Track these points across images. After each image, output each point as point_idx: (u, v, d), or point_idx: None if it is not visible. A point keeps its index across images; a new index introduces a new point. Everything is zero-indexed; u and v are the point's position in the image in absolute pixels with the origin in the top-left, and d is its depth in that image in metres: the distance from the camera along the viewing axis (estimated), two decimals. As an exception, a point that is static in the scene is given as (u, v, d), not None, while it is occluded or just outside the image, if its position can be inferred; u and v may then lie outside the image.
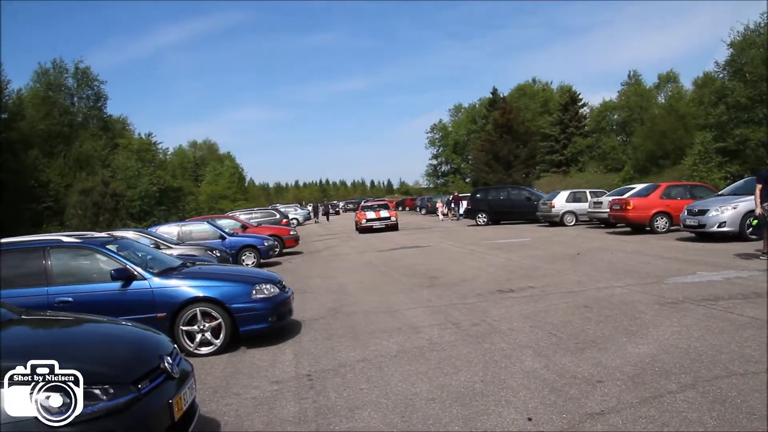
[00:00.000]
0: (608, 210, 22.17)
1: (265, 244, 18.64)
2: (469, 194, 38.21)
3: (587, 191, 28.37)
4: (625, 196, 21.89)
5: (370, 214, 33.08)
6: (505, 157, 57.49)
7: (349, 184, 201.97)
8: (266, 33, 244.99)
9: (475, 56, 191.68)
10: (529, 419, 4.53)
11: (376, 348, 7.04)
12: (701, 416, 4.33)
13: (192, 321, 7.45)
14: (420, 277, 12.85)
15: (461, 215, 40.23)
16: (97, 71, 64.62)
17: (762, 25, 33.62)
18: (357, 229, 33.40)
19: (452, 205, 42.75)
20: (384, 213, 33.49)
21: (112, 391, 3.46)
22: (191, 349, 7.31)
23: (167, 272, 7.95)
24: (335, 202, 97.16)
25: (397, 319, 8.68)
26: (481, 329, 7.56)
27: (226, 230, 19.39)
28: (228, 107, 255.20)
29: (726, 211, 15.93)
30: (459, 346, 6.81)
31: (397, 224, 32.92)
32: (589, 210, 25.25)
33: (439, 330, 7.73)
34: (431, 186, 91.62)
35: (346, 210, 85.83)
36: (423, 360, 6.40)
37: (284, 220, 33.93)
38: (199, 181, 78.50)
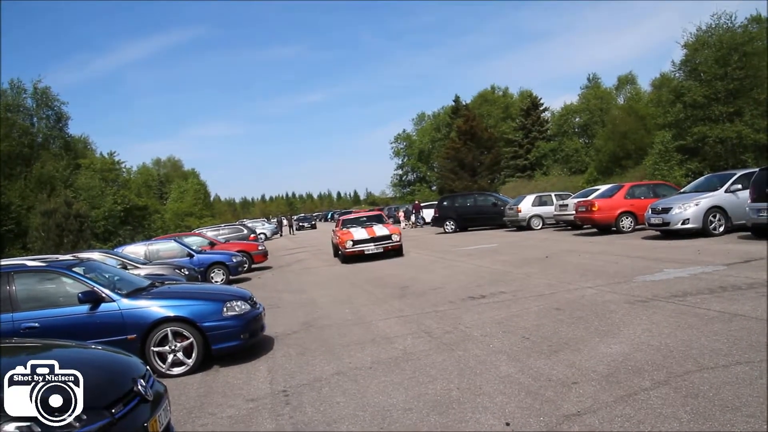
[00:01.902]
0: (574, 212, 22.43)
1: (234, 260, 18.50)
2: (436, 202, 38.33)
3: (553, 194, 28.65)
4: (590, 197, 22.18)
5: (359, 233, 20.42)
6: (470, 163, 57.81)
7: (315, 196, 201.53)
8: (227, 48, 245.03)
9: (436, 64, 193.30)
10: (507, 424, 4.55)
11: (350, 361, 7.01)
12: (676, 411, 4.39)
13: (163, 341, 7.34)
14: (391, 288, 12.85)
15: (421, 223, 40.62)
16: (57, 90, 64.09)
17: (713, 26, 34.42)
18: (339, 255, 21.21)
19: (412, 214, 43.05)
20: (380, 230, 20.64)
21: (85, 417, 3.38)
22: (163, 370, 7.21)
23: (136, 293, 7.83)
24: (309, 215, 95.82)
25: (370, 330, 8.66)
26: (454, 337, 7.57)
27: (194, 248, 19.22)
28: (192, 123, 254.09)
29: (689, 208, 16.21)
30: (433, 355, 6.82)
31: (401, 246, 20.52)
32: (555, 213, 25.50)
33: (413, 339, 7.73)
34: (398, 195, 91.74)
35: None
36: (398, 370, 6.39)
37: (252, 236, 33.61)
38: (164, 198, 77.59)
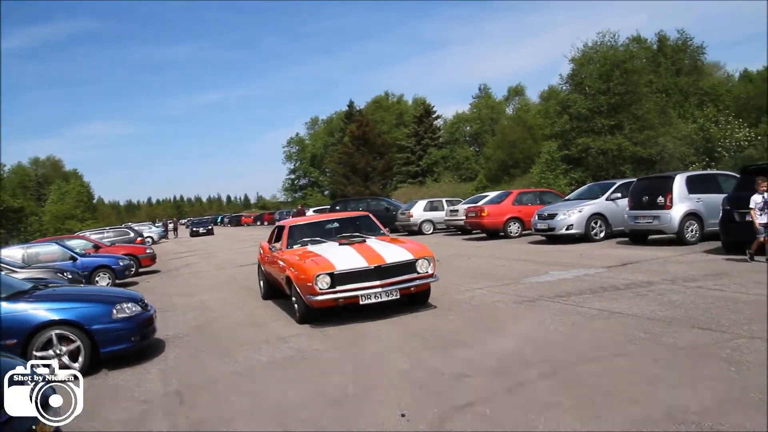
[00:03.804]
0: (464, 217, 22.97)
1: (120, 263, 17.84)
2: (328, 207, 38.34)
3: (443, 200, 29.27)
4: (480, 203, 22.78)
5: (344, 257, 8.62)
6: (362, 169, 58.21)
7: (204, 199, 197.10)
8: (116, 44, 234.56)
9: (332, 69, 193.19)
10: (402, 415, 4.66)
11: (245, 361, 6.95)
12: (560, 399, 4.68)
13: (47, 346, 7.03)
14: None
15: None
16: None
17: (598, 43, 36.19)
18: (298, 303, 8.83)
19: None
20: (388, 250, 8.84)
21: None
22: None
23: (16, 296, 7.45)
24: (203, 218, 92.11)
25: (264, 331, 8.62)
26: (349, 336, 7.66)
27: (77, 251, 18.40)
28: (75, 122, 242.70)
29: (573, 214, 17.00)
30: (329, 353, 6.88)
31: (429, 285, 9.14)
32: (446, 218, 26.03)
33: (308, 339, 7.76)
34: (289, 200, 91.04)
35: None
36: (294, 369, 6.42)
37: (139, 239, 32.54)
38: (43, 200, 73.86)
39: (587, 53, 36.32)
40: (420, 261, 8.62)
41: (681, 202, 14.26)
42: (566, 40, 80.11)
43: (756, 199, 10.29)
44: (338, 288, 8.20)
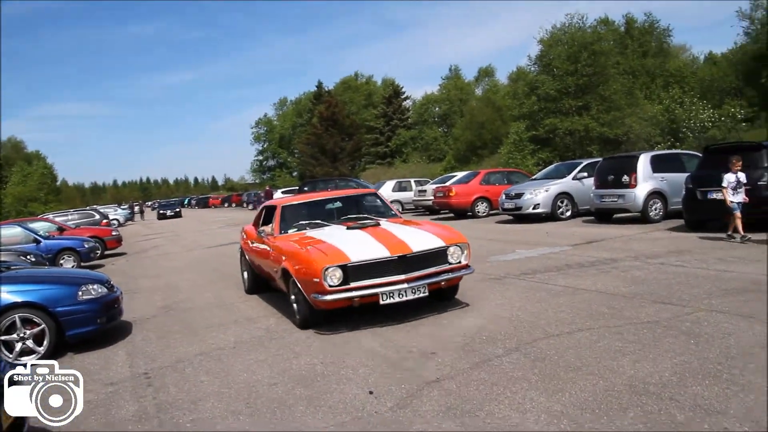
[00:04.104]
0: (432, 197, 23.09)
1: (86, 246, 17.61)
2: (296, 188, 38.21)
3: (412, 180, 29.39)
4: (448, 183, 22.90)
5: (359, 245, 6.85)
6: (331, 150, 58.08)
7: (171, 182, 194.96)
8: (80, 21, 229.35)
9: (301, 49, 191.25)
10: (371, 392, 4.72)
11: (213, 342, 6.94)
12: (525, 374, 4.77)
13: (10, 329, 6.93)
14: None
15: None
16: None
17: (567, 25, 36.41)
18: (299, 303, 7.08)
19: (264, 199, 42.97)
20: (412, 235, 7.13)
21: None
22: (11, 361, 6.80)
23: (-23, 279, 7.33)
24: (171, 200, 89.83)
25: (233, 312, 8.60)
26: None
27: (41, 233, 18.11)
28: (37, 103, 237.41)
29: (539, 194, 17.16)
30: (297, 333, 6.89)
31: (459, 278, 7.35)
32: (414, 198, 26.15)
33: (276, 319, 7.76)
34: (257, 181, 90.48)
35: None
36: (262, 348, 6.43)
37: (104, 221, 32.12)
38: (4, 183, 72.49)
39: (556, 35, 36.58)
40: (452, 248, 6.95)
41: (645, 181, 14.46)
42: (536, 21, 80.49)
43: (729, 178, 10.39)
44: (353, 284, 6.47)
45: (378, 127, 67.02)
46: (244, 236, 10.14)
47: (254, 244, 9.12)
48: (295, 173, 79.26)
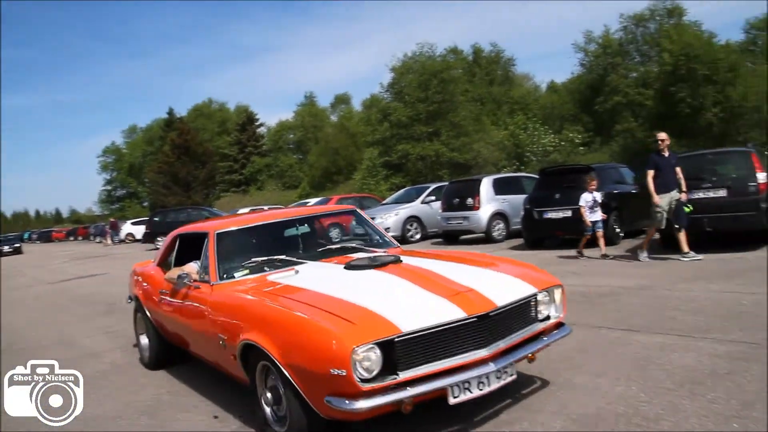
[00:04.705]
0: (285, 224, 22.68)
1: None
2: (147, 218, 36.82)
3: (266, 208, 28.87)
4: (301, 210, 22.60)
5: (398, 300, 3.73)
6: (184, 178, 56.47)
7: (9, 215, 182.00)
8: None
9: (149, 74, 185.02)
10: (216, 417, 4.64)
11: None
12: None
13: None
14: (97, 305, 11.90)
15: (116, 241, 40.67)
16: None
17: (418, 54, 37.61)
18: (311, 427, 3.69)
19: (108, 233, 41.85)
20: (474, 275, 4.25)
21: None
22: None
23: None
24: (9, 235, 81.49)
25: (76, 348, 7.96)
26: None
27: None
28: None
29: (389, 218, 17.29)
30: (142, 366, 6.54)
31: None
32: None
33: (122, 353, 7.31)
34: (106, 212, 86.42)
35: None
36: (107, 382, 6.08)
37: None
38: None
39: (407, 63, 37.62)
40: (541, 296, 4.20)
41: (488, 203, 14.94)
42: (391, 49, 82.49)
43: (586, 198, 10.64)
44: (404, 375, 3.40)
45: (232, 155, 66.05)
46: (143, 282, 6.50)
47: (165, 297, 5.59)
48: (146, 203, 76.43)
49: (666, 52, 34.36)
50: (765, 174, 9.65)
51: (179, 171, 56.69)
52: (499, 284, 4.10)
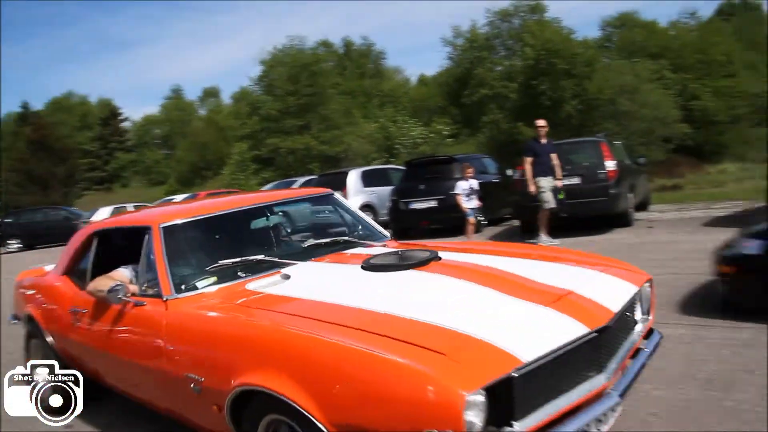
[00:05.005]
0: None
1: None
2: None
3: (130, 206, 27.72)
4: (165, 207, 21.85)
5: (507, 315, 2.58)
6: (40, 176, 53.16)
7: None
8: None
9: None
10: None
11: None
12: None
13: None
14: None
15: None
16: None
17: (288, 46, 37.26)
18: None
19: None
20: (563, 273, 3.17)
21: None
22: None
23: None
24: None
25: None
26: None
27: None
28: None
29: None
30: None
31: None
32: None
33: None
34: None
35: None
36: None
37: None
38: None
39: (277, 56, 37.18)
40: (640, 293, 3.28)
41: (356, 195, 14.89)
42: (262, 42, 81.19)
43: (462, 185, 10.60)
44: (520, 426, 2.18)
45: (94, 150, 62.94)
46: (41, 298, 4.79)
47: (82, 319, 3.90)
48: (-3, 204, 71.52)
49: (528, 47, 35.62)
50: (614, 162, 10.17)
51: (35, 168, 53.30)
52: (598, 283, 3.09)
